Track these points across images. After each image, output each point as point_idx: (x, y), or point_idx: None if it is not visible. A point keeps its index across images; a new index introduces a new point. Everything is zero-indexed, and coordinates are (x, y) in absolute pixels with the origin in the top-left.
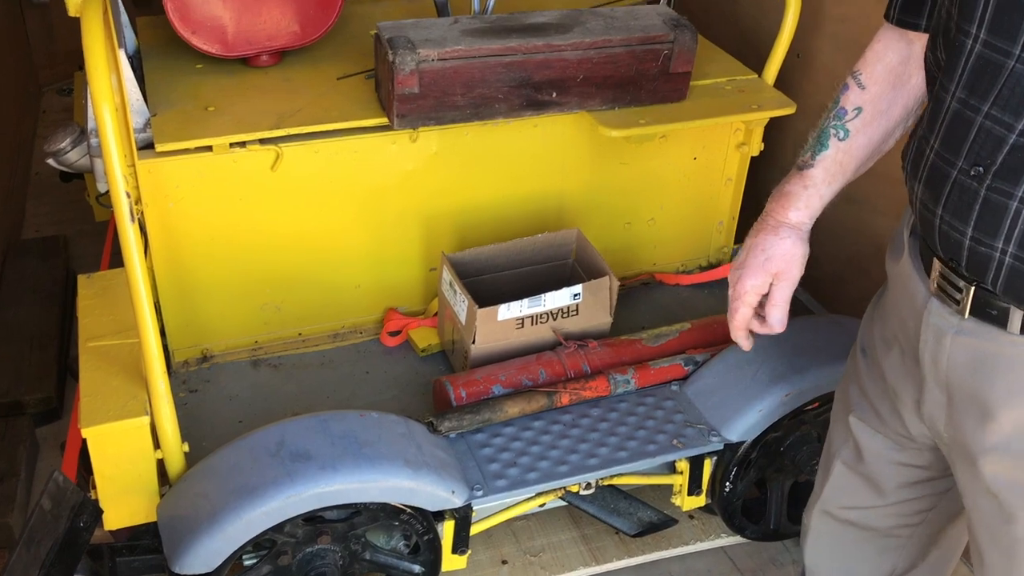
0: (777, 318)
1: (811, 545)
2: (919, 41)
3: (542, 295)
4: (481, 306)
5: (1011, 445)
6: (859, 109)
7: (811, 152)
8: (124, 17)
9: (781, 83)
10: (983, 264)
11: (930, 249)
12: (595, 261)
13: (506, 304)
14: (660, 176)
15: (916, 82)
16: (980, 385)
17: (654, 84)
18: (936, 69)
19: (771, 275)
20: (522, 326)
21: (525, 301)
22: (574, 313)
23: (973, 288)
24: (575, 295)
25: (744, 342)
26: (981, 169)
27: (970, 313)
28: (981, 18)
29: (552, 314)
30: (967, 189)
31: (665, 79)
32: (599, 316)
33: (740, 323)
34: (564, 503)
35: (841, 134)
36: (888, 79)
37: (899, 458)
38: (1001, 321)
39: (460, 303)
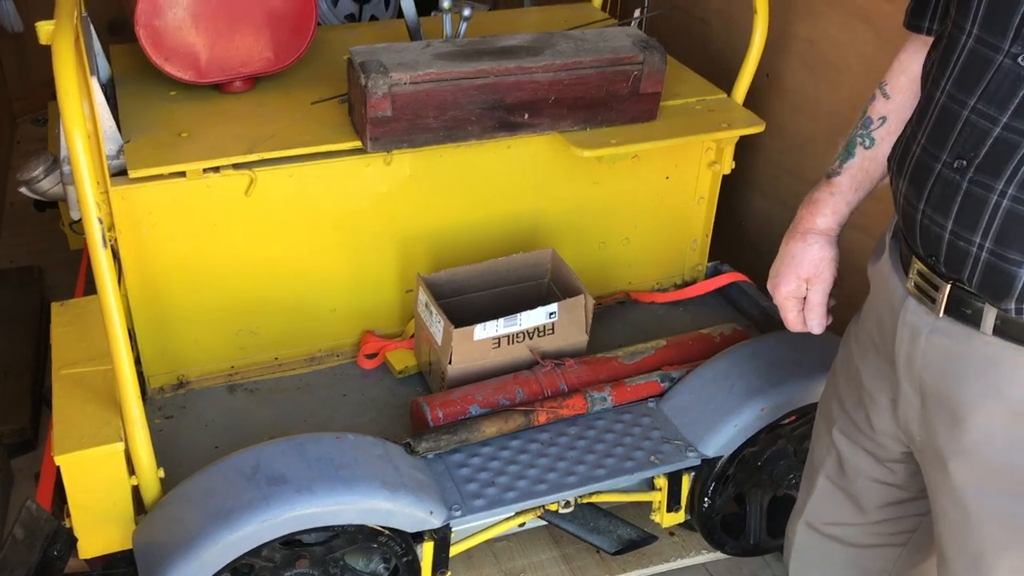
0: (815, 322)
1: (795, 559)
2: None
3: (518, 314)
4: (457, 327)
5: (980, 450)
6: (884, 118)
7: (839, 160)
8: (97, 45)
9: (751, 103)
10: (960, 259)
11: (910, 248)
12: (570, 280)
13: (482, 324)
14: (633, 196)
15: None
16: (951, 387)
17: (625, 104)
18: (931, 67)
19: (803, 280)
20: (498, 345)
21: (501, 320)
22: (550, 332)
23: (949, 286)
24: (550, 314)
25: (816, 330)
26: (964, 162)
27: (945, 311)
28: (975, 14)
29: (528, 333)
30: (950, 182)
31: (636, 99)
32: (575, 334)
33: (795, 325)
34: (544, 522)
35: (867, 143)
36: (912, 89)
37: (877, 475)
38: (975, 321)
39: (436, 324)
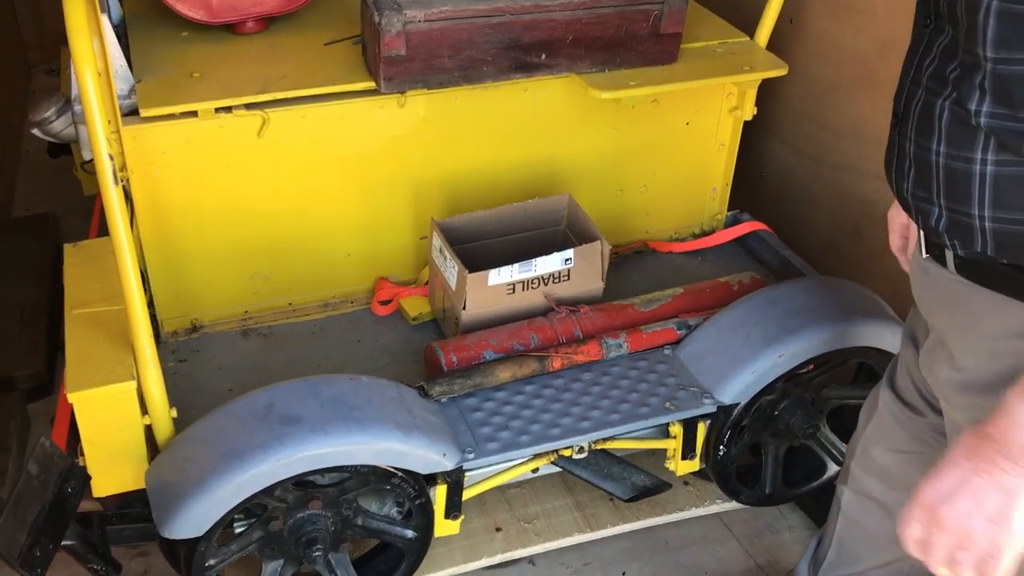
0: None
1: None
2: None
3: (533, 260)
4: (471, 272)
5: (970, 383)
6: None
7: None
8: None
9: (773, 49)
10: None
11: None
12: (586, 226)
13: (496, 269)
14: (652, 142)
15: None
16: (937, 322)
17: (644, 46)
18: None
19: None
20: (513, 291)
21: (516, 266)
22: (565, 278)
23: (921, 229)
24: (566, 260)
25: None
26: (897, 121)
27: (925, 251)
28: None
29: (543, 279)
30: (900, 146)
31: (655, 40)
32: (591, 281)
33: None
34: (557, 469)
35: None
36: None
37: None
38: (942, 259)
39: (450, 269)
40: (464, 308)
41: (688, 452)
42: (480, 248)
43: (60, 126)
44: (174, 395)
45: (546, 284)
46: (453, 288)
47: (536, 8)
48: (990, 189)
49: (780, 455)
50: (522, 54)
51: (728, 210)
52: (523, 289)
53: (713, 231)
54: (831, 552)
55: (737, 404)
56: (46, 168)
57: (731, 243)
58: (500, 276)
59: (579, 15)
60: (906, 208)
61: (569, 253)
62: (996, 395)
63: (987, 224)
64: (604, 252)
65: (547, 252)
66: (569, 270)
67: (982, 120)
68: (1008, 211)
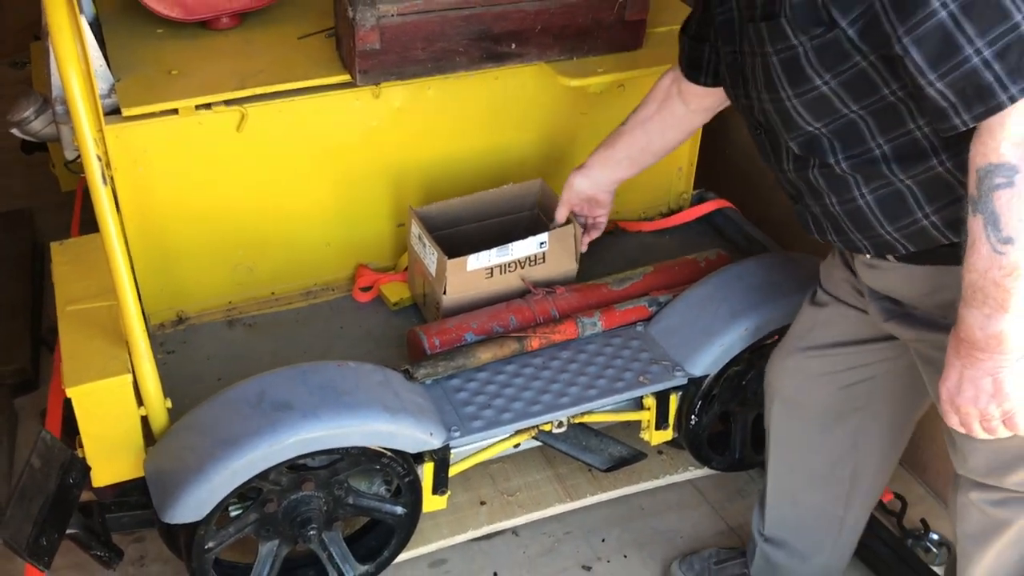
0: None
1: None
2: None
3: (509, 244)
4: (450, 258)
5: (915, 319)
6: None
7: None
8: None
9: None
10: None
11: None
12: None
13: (475, 254)
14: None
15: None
16: (890, 289)
17: (611, 33)
18: None
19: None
20: (491, 275)
21: (493, 251)
22: (541, 261)
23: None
24: (541, 243)
25: None
26: (794, 199)
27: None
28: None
29: (520, 263)
30: (807, 213)
31: (621, 28)
32: (565, 263)
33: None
34: (538, 444)
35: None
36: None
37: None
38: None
39: (430, 255)
40: (444, 293)
41: (662, 423)
42: (457, 234)
43: (39, 126)
44: (165, 385)
45: (523, 267)
46: (433, 274)
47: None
48: (880, 212)
49: (748, 422)
50: (493, 44)
51: (694, 189)
52: (500, 273)
53: (680, 209)
54: (768, 483)
55: (707, 376)
56: (18, 163)
57: (698, 221)
58: (479, 261)
59: (547, 5)
60: (840, 250)
61: (544, 237)
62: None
63: (894, 235)
64: (576, 235)
65: (522, 236)
66: (544, 253)
67: (844, 166)
68: (899, 220)
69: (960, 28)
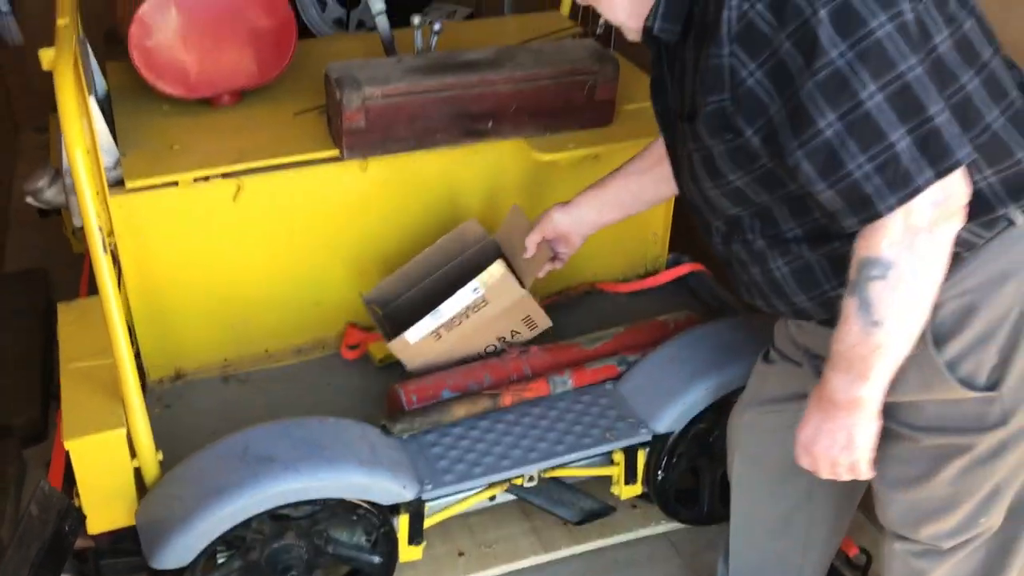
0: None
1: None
2: None
3: (439, 307)
4: (422, 315)
5: None
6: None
7: None
8: (94, 64)
9: None
10: None
11: None
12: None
13: (411, 328)
14: None
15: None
16: (811, 346)
17: (581, 111)
18: None
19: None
20: (440, 337)
21: (426, 319)
22: (484, 303)
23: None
24: (475, 290)
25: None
26: (730, 270)
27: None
28: None
29: (468, 311)
30: (740, 282)
31: (591, 106)
32: (512, 292)
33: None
34: (514, 497)
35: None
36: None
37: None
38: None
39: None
40: (406, 367)
41: (630, 478)
42: (421, 293)
43: (51, 195)
44: (160, 438)
45: (470, 315)
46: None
47: (482, 82)
48: (794, 283)
49: (716, 478)
50: (471, 122)
51: (669, 253)
52: (450, 329)
53: (656, 272)
54: (731, 532)
55: (671, 432)
56: (36, 223)
57: (673, 283)
58: (418, 332)
59: (521, 87)
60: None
61: (474, 283)
62: None
63: (807, 303)
64: (519, 263)
65: (483, 268)
66: (484, 295)
67: (761, 243)
68: (811, 290)
69: (844, 146)
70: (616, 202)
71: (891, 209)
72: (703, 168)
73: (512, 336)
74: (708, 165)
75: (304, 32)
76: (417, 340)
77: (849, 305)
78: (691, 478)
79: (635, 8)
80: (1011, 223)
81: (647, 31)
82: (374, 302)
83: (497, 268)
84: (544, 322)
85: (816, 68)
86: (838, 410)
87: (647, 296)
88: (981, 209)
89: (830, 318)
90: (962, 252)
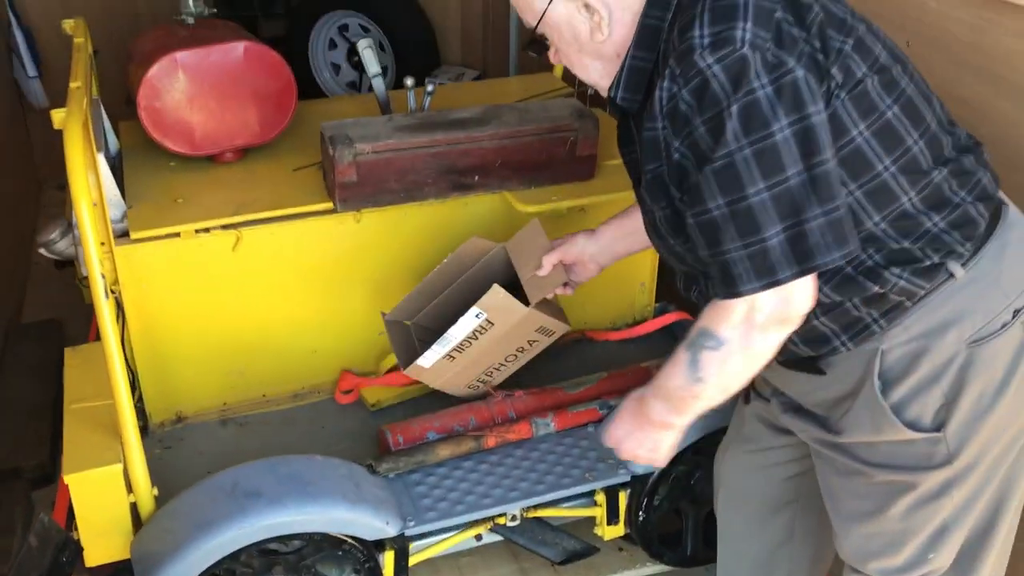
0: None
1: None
2: None
3: (446, 333)
4: (448, 327)
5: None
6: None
7: None
8: (106, 124)
9: None
10: None
11: None
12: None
13: (422, 355)
14: None
15: None
16: (778, 383)
17: (564, 166)
18: None
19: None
20: (453, 359)
21: (435, 346)
22: (491, 325)
23: None
24: (477, 315)
25: None
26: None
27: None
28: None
29: (475, 333)
30: None
31: (573, 161)
32: (516, 312)
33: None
34: (500, 537)
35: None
36: None
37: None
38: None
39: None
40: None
41: (612, 518)
42: (442, 305)
43: (63, 246)
44: (159, 478)
45: (479, 336)
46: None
47: (468, 139)
48: None
49: (700, 520)
50: (458, 177)
51: (656, 302)
52: (461, 352)
53: (644, 321)
54: (718, 569)
55: (650, 474)
56: (54, 277)
57: (659, 331)
58: (430, 358)
59: (506, 143)
60: None
61: (476, 309)
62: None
63: None
64: (529, 278)
65: (497, 277)
66: (487, 318)
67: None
68: None
69: (726, 228)
70: (640, 233)
71: (744, 294)
72: (651, 229)
73: (531, 345)
74: (653, 227)
75: (319, 92)
76: (431, 365)
77: (682, 357)
78: (675, 520)
79: (607, 72)
80: (951, 275)
81: (610, 99)
82: (396, 320)
83: (494, 294)
84: (561, 327)
85: (716, 156)
86: (652, 426)
87: (635, 344)
88: (915, 258)
89: (783, 360)
90: (904, 301)
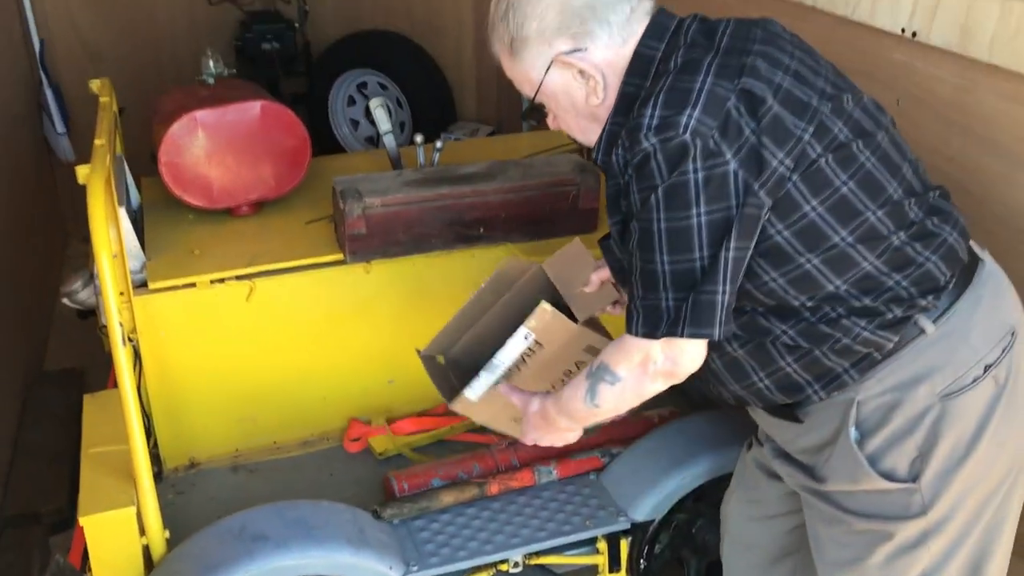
0: None
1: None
2: None
3: (494, 359)
4: (483, 358)
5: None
6: None
7: None
8: (129, 179)
9: None
10: None
11: None
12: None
13: (468, 387)
14: None
15: None
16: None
17: (566, 219)
18: None
19: None
20: (503, 378)
21: (481, 375)
22: (540, 345)
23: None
24: (526, 336)
25: None
26: None
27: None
28: None
29: (524, 356)
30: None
31: (575, 214)
32: (566, 330)
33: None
34: None
35: None
36: None
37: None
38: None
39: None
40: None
41: (614, 566)
42: (474, 338)
43: (85, 296)
44: (172, 522)
45: (529, 356)
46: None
47: (474, 193)
48: (729, 375)
49: (702, 569)
50: (464, 229)
51: None
52: (508, 379)
53: None
54: None
55: (651, 521)
56: (76, 327)
57: None
58: (478, 389)
59: (509, 197)
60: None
61: (523, 330)
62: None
63: (744, 392)
64: (576, 297)
65: (537, 295)
66: (536, 339)
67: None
68: (743, 381)
69: (637, 278)
70: None
71: (637, 335)
72: (618, 272)
73: (578, 367)
74: (620, 270)
75: (338, 147)
76: (478, 397)
77: (582, 384)
78: (677, 569)
79: (589, 138)
80: (922, 331)
81: (593, 160)
82: (431, 356)
83: (544, 310)
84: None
85: (640, 218)
86: (557, 428)
87: None
88: (878, 312)
89: (766, 406)
90: (874, 353)
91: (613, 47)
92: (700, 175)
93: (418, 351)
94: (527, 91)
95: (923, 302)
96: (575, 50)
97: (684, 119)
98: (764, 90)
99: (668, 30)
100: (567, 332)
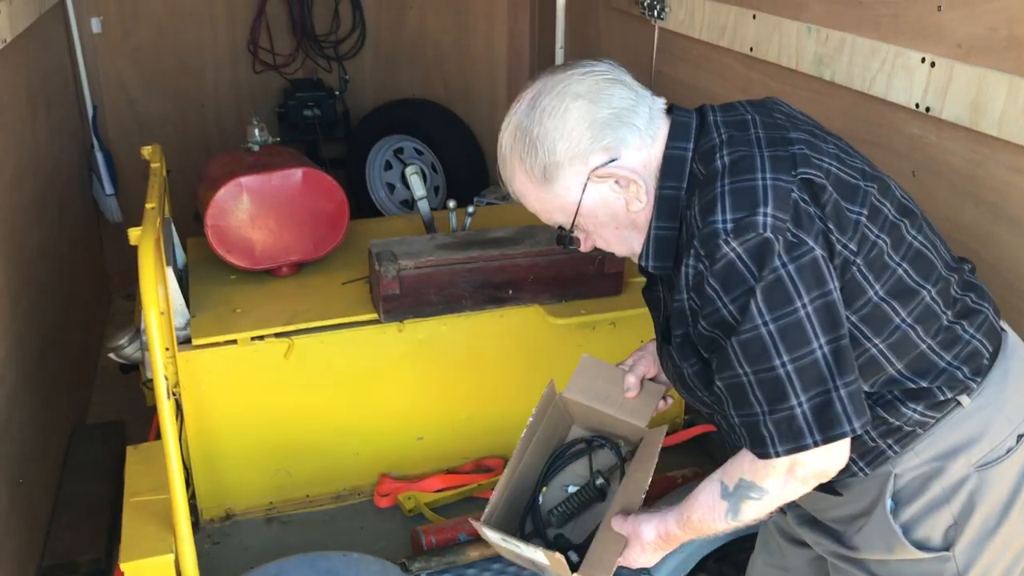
0: None
1: None
2: None
3: (511, 544)
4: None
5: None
6: None
7: None
8: (176, 240)
9: None
10: None
11: None
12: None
13: (489, 531)
14: (614, 357)
15: None
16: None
17: (593, 282)
18: None
19: None
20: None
21: (503, 536)
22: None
23: None
24: (534, 562)
25: None
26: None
27: None
28: None
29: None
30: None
31: (602, 278)
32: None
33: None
34: None
35: None
36: None
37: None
38: None
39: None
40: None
41: None
42: (526, 473)
43: (131, 351)
44: (207, 571)
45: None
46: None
47: (503, 256)
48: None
49: None
50: (493, 291)
51: (685, 414)
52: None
53: (675, 431)
54: None
55: None
56: (118, 381)
57: (689, 441)
58: (492, 538)
59: (537, 260)
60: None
61: (539, 554)
62: (831, 531)
63: None
64: (622, 407)
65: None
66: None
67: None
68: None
69: (754, 394)
70: None
71: (779, 455)
72: (679, 382)
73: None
74: (682, 381)
75: (375, 210)
76: (491, 542)
77: (720, 504)
78: None
79: (631, 247)
80: (958, 404)
81: (641, 268)
82: (487, 524)
83: (558, 563)
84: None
85: (743, 329)
86: (661, 551)
87: (665, 453)
88: (932, 395)
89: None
90: (917, 430)
91: (644, 149)
92: (791, 267)
93: (471, 521)
94: (561, 218)
95: (972, 383)
96: (610, 160)
97: (760, 218)
98: (821, 177)
99: (691, 128)
100: (645, 474)
